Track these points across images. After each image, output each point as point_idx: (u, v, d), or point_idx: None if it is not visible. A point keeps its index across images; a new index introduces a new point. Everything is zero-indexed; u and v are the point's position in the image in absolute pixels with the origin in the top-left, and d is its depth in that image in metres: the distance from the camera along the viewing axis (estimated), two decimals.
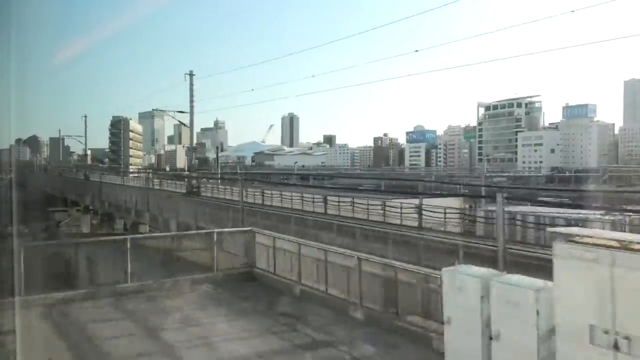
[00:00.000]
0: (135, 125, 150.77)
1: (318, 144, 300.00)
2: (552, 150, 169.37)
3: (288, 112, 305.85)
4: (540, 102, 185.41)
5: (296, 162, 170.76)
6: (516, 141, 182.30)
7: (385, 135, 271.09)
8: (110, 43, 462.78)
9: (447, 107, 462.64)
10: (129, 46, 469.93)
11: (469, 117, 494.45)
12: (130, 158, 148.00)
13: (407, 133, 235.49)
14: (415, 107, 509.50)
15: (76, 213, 54.30)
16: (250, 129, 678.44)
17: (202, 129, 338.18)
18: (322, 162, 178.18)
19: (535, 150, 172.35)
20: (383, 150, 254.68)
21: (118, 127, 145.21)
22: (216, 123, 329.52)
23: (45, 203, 57.57)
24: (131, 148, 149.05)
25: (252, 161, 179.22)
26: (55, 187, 72.18)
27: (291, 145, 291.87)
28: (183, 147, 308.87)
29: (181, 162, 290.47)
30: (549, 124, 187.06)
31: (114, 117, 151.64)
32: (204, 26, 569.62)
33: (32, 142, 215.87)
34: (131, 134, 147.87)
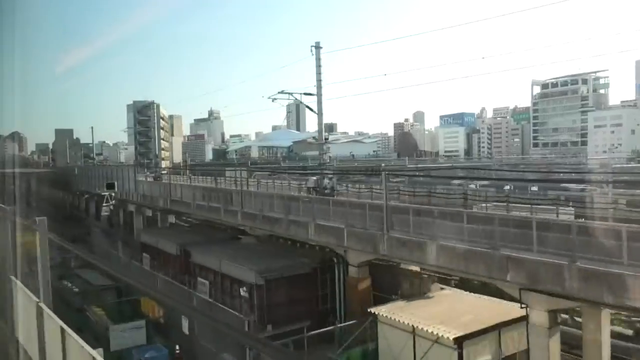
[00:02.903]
0: (164, 111, 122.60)
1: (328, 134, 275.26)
2: (633, 131, 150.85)
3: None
4: (607, 77, 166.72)
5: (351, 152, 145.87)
6: (582, 122, 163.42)
7: (406, 120, 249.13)
8: (111, 50, 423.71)
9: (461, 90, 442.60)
10: (127, 52, 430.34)
11: (515, 98, 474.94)
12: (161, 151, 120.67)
13: (441, 117, 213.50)
14: (417, 91, 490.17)
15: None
16: (246, 118, 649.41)
17: (195, 120, 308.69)
18: (374, 151, 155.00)
19: (612, 132, 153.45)
20: (409, 137, 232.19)
21: (146, 113, 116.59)
22: (211, 113, 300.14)
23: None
24: (162, 139, 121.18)
25: (290, 151, 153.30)
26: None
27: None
28: (185, 138, 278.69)
29: (177, 155, 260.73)
30: (621, 102, 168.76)
31: (135, 101, 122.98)
32: (206, 31, 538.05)
33: (16, 139, 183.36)
34: (162, 123, 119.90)
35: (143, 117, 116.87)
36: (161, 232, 34.05)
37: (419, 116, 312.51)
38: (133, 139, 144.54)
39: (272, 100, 27.97)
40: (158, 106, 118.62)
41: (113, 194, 41.87)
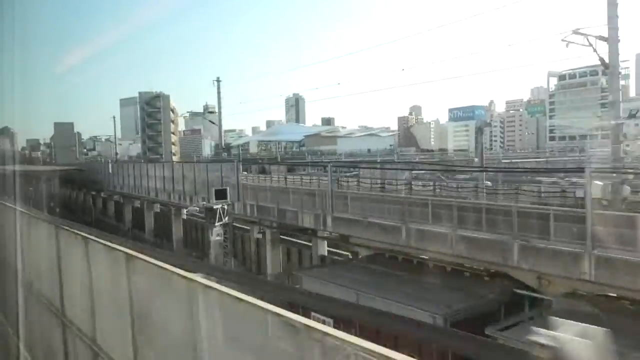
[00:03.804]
0: (174, 103, 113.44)
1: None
2: None
3: (293, 92, 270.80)
4: (628, 67, 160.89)
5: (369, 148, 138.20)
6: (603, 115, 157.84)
7: (411, 114, 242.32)
8: (104, 47, 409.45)
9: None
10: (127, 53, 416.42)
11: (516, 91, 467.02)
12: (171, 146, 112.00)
13: (450, 110, 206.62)
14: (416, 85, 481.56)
15: None
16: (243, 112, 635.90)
17: (190, 114, 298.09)
18: (391, 145, 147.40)
19: (637, 125, 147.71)
20: (415, 132, 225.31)
21: (155, 105, 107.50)
22: (206, 107, 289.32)
23: None
24: (172, 133, 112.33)
25: (301, 145, 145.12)
26: None
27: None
28: (182, 133, 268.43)
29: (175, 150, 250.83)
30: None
31: (141, 93, 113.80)
32: (210, 30, 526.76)
33: (7, 134, 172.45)
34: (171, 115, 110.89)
35: (152, 109, 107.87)
36: (348, 279, 17.80)
37: (416, 110, 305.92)
38: (133, 133, 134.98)
39: (567, 45, 19.32)
40: (168, 97, 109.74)
41: (226, 207, 24.91)
